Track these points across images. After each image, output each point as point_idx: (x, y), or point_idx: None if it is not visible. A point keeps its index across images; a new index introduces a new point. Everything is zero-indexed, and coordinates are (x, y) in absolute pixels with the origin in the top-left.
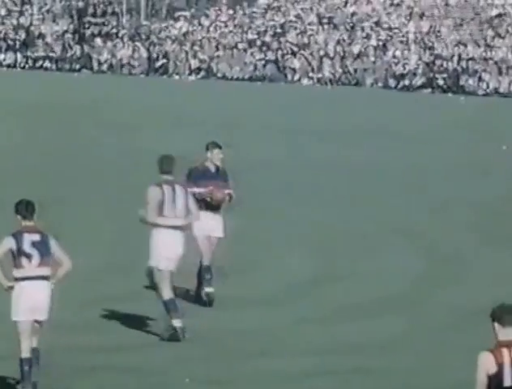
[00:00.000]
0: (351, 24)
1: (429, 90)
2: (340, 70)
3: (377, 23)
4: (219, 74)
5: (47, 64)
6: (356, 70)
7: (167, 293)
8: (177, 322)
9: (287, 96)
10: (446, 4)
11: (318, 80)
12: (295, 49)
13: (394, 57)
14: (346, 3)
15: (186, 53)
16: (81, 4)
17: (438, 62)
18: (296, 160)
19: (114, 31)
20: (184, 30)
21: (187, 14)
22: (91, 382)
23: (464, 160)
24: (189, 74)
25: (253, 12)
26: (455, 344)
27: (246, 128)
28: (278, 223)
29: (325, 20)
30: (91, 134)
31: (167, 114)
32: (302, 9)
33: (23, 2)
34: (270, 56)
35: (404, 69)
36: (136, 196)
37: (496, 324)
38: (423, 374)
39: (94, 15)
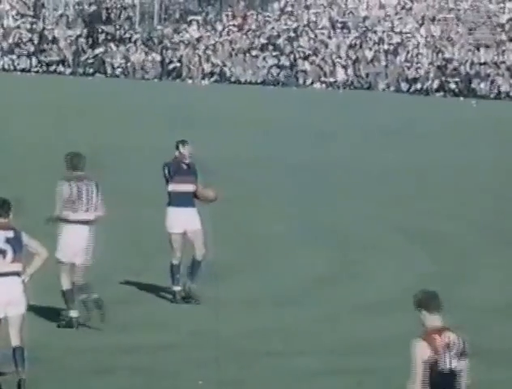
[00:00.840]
0: (363, 29)
1: (441, 94)
2: (352, 74)
3: (390, 28)
4: (232, 79)
5: (60, 68)
6: (368, 74)
7: (65, 284)
8: (73, 313)
9: (299, 99)
10: (458, 9)
11: (331, 84)
12: (307, 53)
13: (406, 61)
14: (358, 8)
15: (199, 57)
16: (94, 9)
17: (450, 66)
18: (301, 161)
19: (127, 35)
20: (197, 34)
21: (200, 18)
22: (103, 383)
23: (475, 162)
24: (203, 78)
25: (267, 16)
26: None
27: (255, 130)
28: (285, 222)
29: (337, 25)
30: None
31: (179, 116)
32: (315, 13)
33: (37, 7)
34: (283, 60)
35: (416, 73)
36: (140, 193)
37: (423, 311)
38: None
39: (107, 20)
